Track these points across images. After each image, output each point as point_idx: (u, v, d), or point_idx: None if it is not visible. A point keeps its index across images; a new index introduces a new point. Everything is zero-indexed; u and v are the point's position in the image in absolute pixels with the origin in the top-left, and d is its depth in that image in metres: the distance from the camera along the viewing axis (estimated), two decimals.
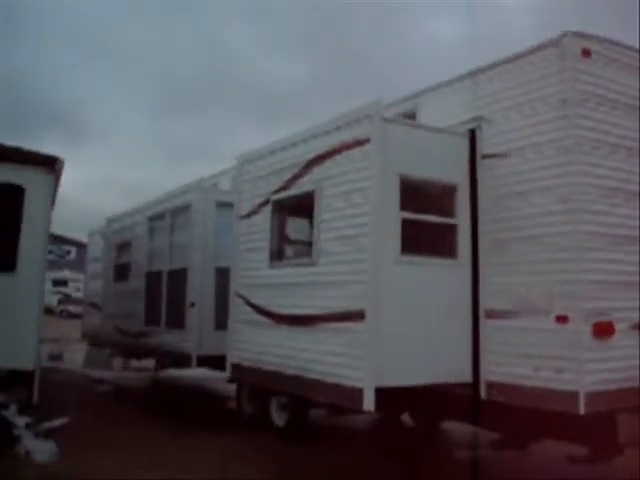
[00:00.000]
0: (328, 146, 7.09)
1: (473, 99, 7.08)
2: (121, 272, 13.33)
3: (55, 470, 7.14)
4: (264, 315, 7.97)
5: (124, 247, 13.34)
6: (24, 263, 8.47)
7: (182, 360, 10.23)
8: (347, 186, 6.77)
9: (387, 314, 6.31)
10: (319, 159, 7.22)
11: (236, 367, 8.62)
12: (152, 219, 11.86)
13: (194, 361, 9.76)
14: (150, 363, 16.16)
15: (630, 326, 6.13)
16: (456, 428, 9.54)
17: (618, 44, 6.46)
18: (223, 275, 9.89)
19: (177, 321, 10.34)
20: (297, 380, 7.24)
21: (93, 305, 15.79)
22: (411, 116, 7.78)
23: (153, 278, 11.49)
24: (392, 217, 6.47)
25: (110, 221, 14.48)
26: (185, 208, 10.49)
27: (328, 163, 7.09)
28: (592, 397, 5.74)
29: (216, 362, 9.83)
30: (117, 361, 17.50)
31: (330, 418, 9.52)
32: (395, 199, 6.50)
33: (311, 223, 7.84)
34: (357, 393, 6.23)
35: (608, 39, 6.38)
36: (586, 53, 6.15)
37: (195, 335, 9.79)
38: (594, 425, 5.89)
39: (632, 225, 6.30)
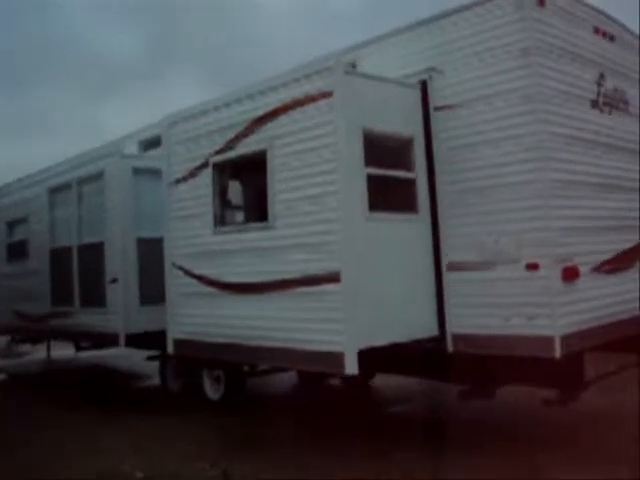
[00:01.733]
0: (280, 101, 6.68)
1: (421, 50, 6.91)
2: (16, 251, 12.25)
3: None
4: (212, 285, 7.49)
5: (17, 223, 12.25)
6: None
7: (106, 340, 9.57)
8: (306, 143, 6.40)
9: (360, 274, 6.10)
10: (269, 116, 6.78)
11: (179, 342, 8.12)
12: (54, 191, 10.90)
13: (122, 340, 9.14)
14: (29, 348, 15.32)
15: (590, 269, 6.32)
16: (382, 384, 9.79)
17: None
18: (145, 246, 9.34)
19: (96, 299, 9.64)
20: (262, 350, 6.89)
21: None
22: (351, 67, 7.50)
23: (59, 255, 10.64)
24: (358, 173, 6.21)
25: None
26: (97, 176, 9.70)
27: (281, 120, 6.68)
28: (565, 340, 5.86)
29: (143, 340, 9.34)
30: None
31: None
32: (360, 154, 6.24)
33: (254, 184, 7.49)
34: (337, 358, 6.01)
35: None
36: (541, 2, 6.14)
37: (121, 313, 9.15)
38: (564, 366, 6.04)
39: (591, 172, 6.49)
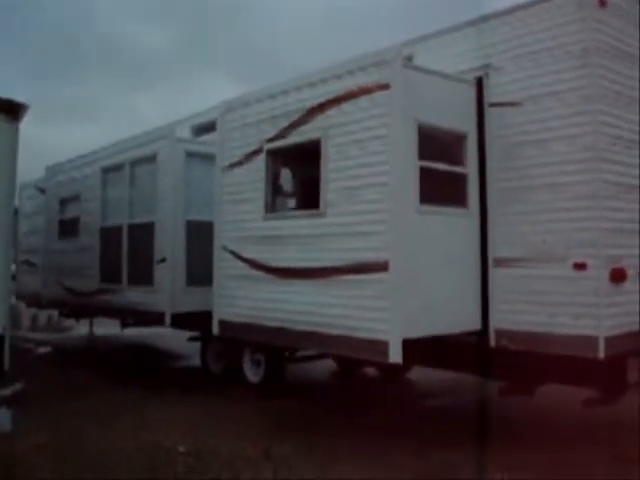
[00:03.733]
0: (336, 92, 6.79)
1: (479, 46, 6.95)
2: (68, 228, 12.55)
3: (38, 442, 6.70)
4: (260, 269, 7.66)
5: (70, 201, 12.55)
6: None
7: (152, 318, 9.82)
8: (361, 134, 6.52)
9: (409, 264, 6.21)
10: (325, 106, 6.91)
11: (224, 324, 8.30)
12: (106, 170, 11.18)
13: (167, 319, 9.37)
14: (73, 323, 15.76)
15: (637, 272, 6.32)
16: (421, 377, 9.84)
17: None
18: (194, 229, 9.56)
19: (144, 277, 9.89)
20: (306, 335, 7.03)
21: (29, 264, 14.88)
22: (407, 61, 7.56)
23: (110, 233, 10.92)
24: (411, 166, 6.32)
25: (50, 173, 13.53)
26: (150, 158, 9.93)
27: (336, 110, 6.79)
28: (610, 341, 5.89)
29: (187, 320, 9.57)
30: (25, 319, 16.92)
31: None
32: (414, 147, 6.35)
33: (306, 172, 7.63)
34: (382, 346, 6.12)
35: None
36: (602, 2, 6.14)
37: (168, 292, 9.38)
38: (607, 368, 6.06)
39: None
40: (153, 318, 9.78)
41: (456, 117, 6.80)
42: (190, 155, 9.72)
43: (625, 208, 6.26)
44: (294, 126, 7.30)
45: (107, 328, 14.59)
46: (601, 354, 5.85)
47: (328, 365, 10.51)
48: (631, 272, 6.21)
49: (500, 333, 6.65)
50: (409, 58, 7.34)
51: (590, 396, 6.32)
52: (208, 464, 6.13)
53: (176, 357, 12.56)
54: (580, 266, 6.05)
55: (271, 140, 7.63)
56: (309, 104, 7.12)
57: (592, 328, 5.92)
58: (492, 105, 6.81)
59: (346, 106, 6.71)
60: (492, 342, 6.70)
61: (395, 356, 6.05)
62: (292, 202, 8.50)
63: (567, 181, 6.15)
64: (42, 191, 14.05)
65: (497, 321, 6.68)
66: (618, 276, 6.05)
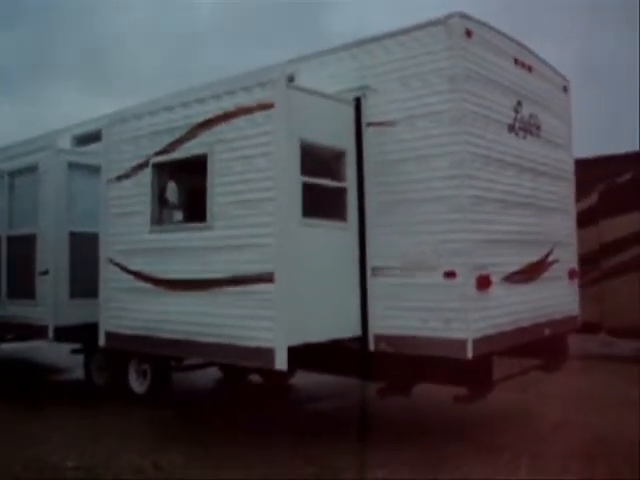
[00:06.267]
0: (222, 109, 7.00)
1: (357, 68, 7.37)
2: None
3: None
4: (147, 281, 7.73)
5: None
6: None
7: (34, 332, 9.62)
8: (247, 150, 6.77)
9: (293, 275, 6.51)
10: (211, 122, 7.10)
11: (111, 335, 8.28)
12: None
13: (51, 332, 9.21)
14: None
15: (501, 279, 6.93)
16: (305, 383, 10.20)
17: (492, 28, 7.10)
18: (77, 240, 9.47)
19: (25, 290, 9.66)
20: (196, 345, 7.19)
21: None
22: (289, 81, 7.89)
23: None
24: (294, 181, 6.62)
25: None
26: (30, 169, 9.73)
27: (222, 126, 7.01)
28: (477, 343, 6.40)
29: (71, 333, 9.45)
30: None
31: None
32: (297, 163, 6.65)
33: (194, 186, 7.78)
34: (268, 353, 6.40)
35: (484, 23, 6.99)
36: (468, 33, 6.71)
37: (51, 305, 9.23)
38: (474, 367, 6.58)
39: (506, 190, 7.10)
40: (36, 332, 9.59)
41: (336, 135, 7.16)
42: (73, 166, 9.60)
43: (492, 220, 6.84)
44: (180, 141, 7.44)
45: None
46: (469, 355, 6.36)
47: (213, 373, 10.67)
48: (496, 279, 6.82)
49: (378, 338, 7.06)
50: (291, 78, 7.66)
51: (459, 393, 6.88)
52: (97, 478, 6.14)
53: (58, 370, 12.29)
54: (450, 274, 6.55)
55: (158, 154, 7.73)
56: (196, 120, 7.28)
57: (460, 331, 6.42)
58: (369, 124, 7.24)
59: (233, 123, 6.92)
60: (371, 346, 7.10)
61: (281, 363, 6.34)
62: (179, 215, 8.62)
63: (435, 196, 6.64)
64: None
65: (375, 327, 7.08)
66: (484, 283, 6.59)
